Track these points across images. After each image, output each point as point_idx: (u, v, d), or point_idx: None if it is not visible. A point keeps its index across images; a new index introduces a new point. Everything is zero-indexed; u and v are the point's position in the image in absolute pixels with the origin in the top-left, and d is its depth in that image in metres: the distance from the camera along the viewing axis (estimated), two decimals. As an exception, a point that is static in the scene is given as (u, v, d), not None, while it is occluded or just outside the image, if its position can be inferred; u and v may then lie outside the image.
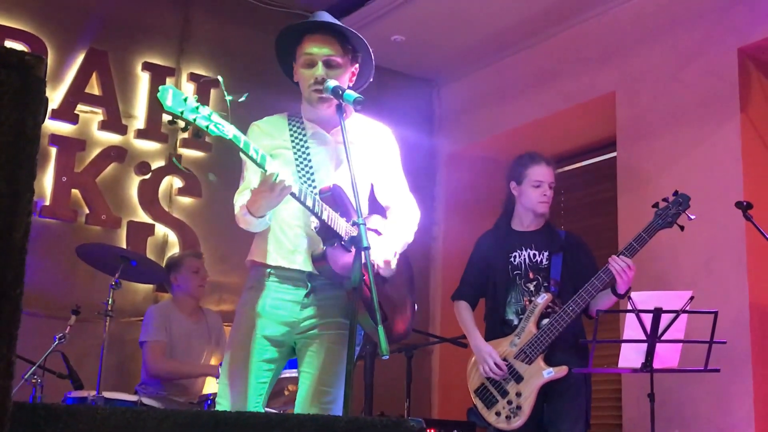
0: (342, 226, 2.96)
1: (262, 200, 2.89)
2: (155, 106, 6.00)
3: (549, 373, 4.08)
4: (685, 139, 5.30)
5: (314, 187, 3.05)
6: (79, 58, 5.79)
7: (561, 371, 4.08)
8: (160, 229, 5.95)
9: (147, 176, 5.91)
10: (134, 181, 5.90)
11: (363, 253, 2.76)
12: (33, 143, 1.29)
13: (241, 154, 2.83)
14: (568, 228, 6.73)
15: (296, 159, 3.13)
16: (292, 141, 3.17)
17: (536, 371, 4.10)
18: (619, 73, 5.77)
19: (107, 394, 4.49)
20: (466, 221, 6.15)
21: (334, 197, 3.01)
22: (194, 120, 2.67)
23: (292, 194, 2.86)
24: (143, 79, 6.03)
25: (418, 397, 6.21)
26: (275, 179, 2.79)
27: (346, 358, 2.94)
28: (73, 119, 5.72)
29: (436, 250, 6.60)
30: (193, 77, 6.19)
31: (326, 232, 2.95)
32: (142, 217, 5.89)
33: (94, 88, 5.83)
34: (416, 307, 3.44)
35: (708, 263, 4.98)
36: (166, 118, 2.72)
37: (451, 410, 5.79)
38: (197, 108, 2.68)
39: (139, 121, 5.96)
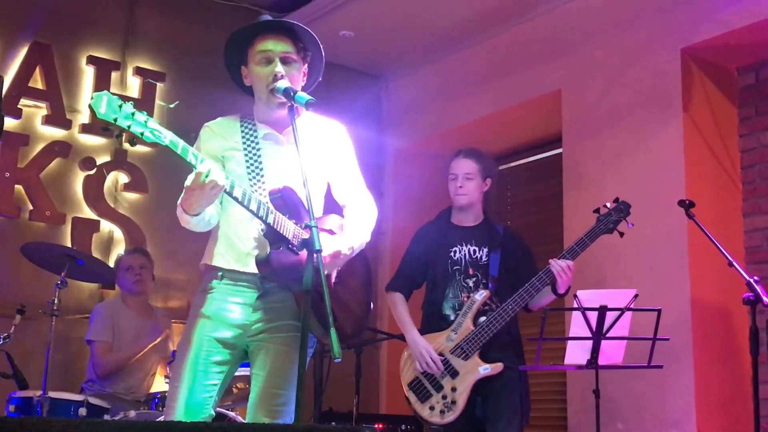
0: (290, 229, 2.95)
1: (193, 197, 2.87)
2: (108, 92, 5.91)
3: (485, 369, 4.12)
4: (629, 137, 5.38)
5: (264, 189, 3.05)
6: (23, 52, 5.72)
7: (497, 368, 4.12)
8: (106, 226, 5.89)
9: (92, 171, 5.85)
10: (79, 177, 5.83)
11: (315, 256, 2.76)
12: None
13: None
14: (515, 223, 6.83)
15: (247, 161, 3.12)
16: (244, 142, 3.16)
17: (472, 367, 4.13)
18: (565, 71, 5.83)
19: (53, 394, 4.46)
20: (415, 217, 6.14)
21: (284, 199, 3.00)
22: (128, 127, 2.64)
23: (235, 199, 2.85)
24: (88, 73, 5.96)
25: (367, 393, 6.24)
26: (204, 178, 2.77)
27: (297, 361, 2.96)
28: (17, 113, 5.64)
29: (384, 246, 6.62)
30: (138, 71, 6.13)
31: (273, 236, 2.94)
32: (87, 213, 5.83)
33: (37, 82, 5.76)
34: (372, 306, 3.46)
35: (651, 261, 5.06)
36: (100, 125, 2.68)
37: (398, 405, 5.81)
38: (132, 114, 2.64)
39: (83, 115, 5.88)
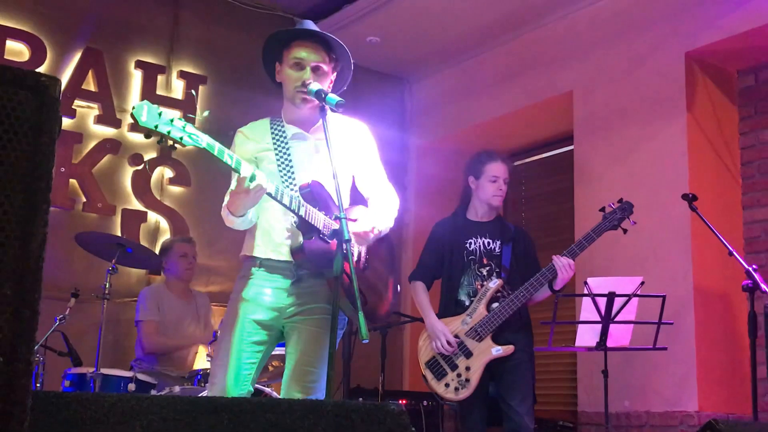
0: (320, 220, 2.97)
1: (239, 201, 2.92)
2: (148, 101, 5.95)
3: (497, 350, 4.12)
4: (636, 136, 5.34)
5: (295, 184, 3.07)
6: (76, 57, 5.75)
7: (508, 350, 4.12)
8: (152, 216, 5.93)
9: (140, 167, 5.88)
10: (128, 172, 5.87)
11: (344, 245, 2.77)
12: (49, 159, 1.29)
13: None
14: (528, 215, 6.81)
15: (278, 159, 3.14)
16: (274, 142, 3.17)
17: (485, 348, 4.13)
18: (577, 73, 5.80)
19: (105, 371, 4.49)
20: (435, 208, 6.16)
21: (313, 193, 3.02)
22: (168, 132, 2.66)
23: (269, 194, 2.87)
24: (136, 76, 5.99)
25: (391, 371, 6.26)
26: (248, 183, 2.81)
27: (328, 341, 2.98)
28: (71, 114, 5.69)
29: (407, 235, 6.62)
30: (182, 75, 6.16)
31: (304, 227, 2.96)
32: (136, 205, 5.87)
33: (90, 84, 5.79)
34: (399, 288, 3.46)
35: (657, 250, 5.03)
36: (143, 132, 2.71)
37: (420, 383, 5.81)
38: (171, 121, 2.67)
39: (132, 115, 5.90)
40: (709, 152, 5.14)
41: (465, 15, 6.02)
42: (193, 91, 2.76)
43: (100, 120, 5.79)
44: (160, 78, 6.06)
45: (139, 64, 5.99)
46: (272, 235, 3.11)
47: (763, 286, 3.85)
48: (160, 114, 2.66)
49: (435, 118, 6.97)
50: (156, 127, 2.65)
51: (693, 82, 5.15)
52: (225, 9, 6.37)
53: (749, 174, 5.17)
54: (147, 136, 2.39)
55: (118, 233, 5.72)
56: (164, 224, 5.96)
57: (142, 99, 5.85)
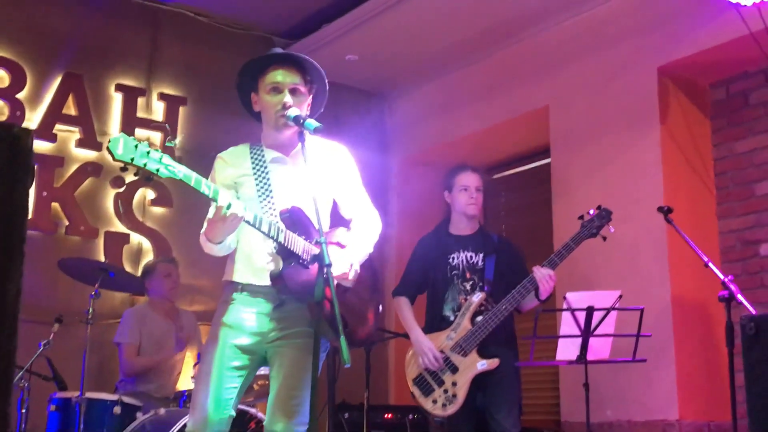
0: (300, 245, 2.96)
1: (216, 229, 2.93)
2: (128, 124, 5.95)
3: (483, 365, 4.13)
4: (611, 149, 5.37)
5: (275, 210, 3.07)
6: (56, 81, 5.74)
7: (493, 363, 4.13)
8: (135, 238, 5.90)
9: (121, 189, 5.85)
10: (110, 194, 5.84)
11: (325, 269, 2.77)
12: (23, 210, 1.29)
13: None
14: (509, 226, 6.82)
15: (257, 184, 3.14)
16: (254, 168, 3.17)
17: (471, 363, 4.14)
18: (552, 89, 5.82)
19: (90, 394, 4.47)
20: (417, 223, 6.17)
21: (293, 218, 3.01)
22: (145, 165, 2.66)
23: (247, 222, 2.87)
24: (116, 99, 5.97)
25: (377, 386, 6.24)
26: (225, 211, 2.81)
27: (311, 365, 2.97)
28: (52, 138, 5.66)
29: (389, 251, 6.61)
30: (162, 96, 6.14)
31: (284, 253, 2.96)
32: (118, 227, 5.85)
33: (70, 108, 5.77)
34: (381, 308, 3.46)
35: (634, 262, 5.05)
36: (118, 164, 2.69)
37: (406, 397, 5.81)
38: (148, 153, 2.67)
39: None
40: (683, 164, 5.17)
41: (441, 33, 6.04)
42: (167, 125, 2.75)
43: (81, 143, 5.76)
44: (141, 100, 6.05)
45: (119, 87, 5.97)
46: (253, 259, 3.10)
47: (739, 296, 3.87)
48: (136, 146, 2.65)
49: (415, 133, 6.98)
50: (132, 160, 2.65)
51: (665, 95, 5.18)
52: (203, 30, 6.37)
53: (723, 184, 5.20)
54: (123, 169, 2.38)
55: (101, 256, 5.69)
56: (147, 245, 5.94)
57: (123, 121, 5.92)
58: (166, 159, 2.73)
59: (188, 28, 6.32)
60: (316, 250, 2.91)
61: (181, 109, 6.20)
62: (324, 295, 2.75)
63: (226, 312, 3.09)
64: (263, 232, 2.91)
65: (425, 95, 6.88)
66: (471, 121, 6.43)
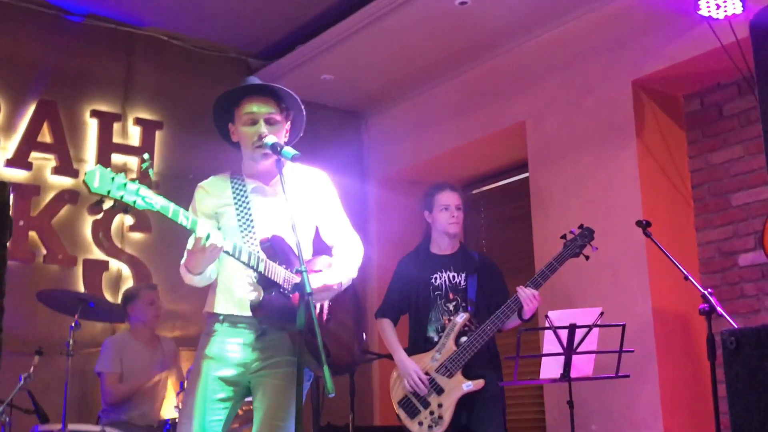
0: (280, 275, 2.97)
1: (195, 260, 2.94)
2: (104, 150, 5.93)
3: (468, 386, 4.14)
4: (588, 163, 5.40)
5: (256, 239, 3.07)
6: (31, 109, 5.71)
7: (479, 384, 4.14)
8: (114, 265, 5.86)
9: (99, 216, 5.82)
10: (87, 221, 5.81)
11: (307, 298, 2.76)
12: (1, 263, 1.28)
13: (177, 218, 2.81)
14: (488, 241, 6.84)
15: (238, 214, 3.14)
16: (234, 198, 3.17)
17: (456, 384, 4.14)
18: (527, 104, 5.85)
19: (72, 426, 4.43)
20: (398, 242, 6.18)
21: (273, 247, 3.02)
22: (122, 197, 2.66)
23: (227, 252, 2.87)
24: (92, 126, 5.94)
25: (362, 407, 6.23)
26: (204, 242, 2.82)
27: (294, 394, 2.97)
28: (27, 166, 5.63)
29: (370, 272, 6.60)
30: (138, 121, 6.12)
31: (265, 282, 2.97)
32: (97, 254, 5.80)
33: (45, 136, 5.74)
34: (365, 336, 3.45)
35: (614, 277, 5.07)
36: (94, 198, 2.68)
37: (390, 417, 5.81)
38: (125, 185, 2.67)
39: (89, 164, 5.86)
40: (661, 176, 5.21)
41: (416, 52, 6.06)
42: (144, 164, 2.74)
43: (57, 171, 5.73)
44: (116, 126, 6.02)
45: (95, 113, 5.94)
46: (233, 290, 3.10)
47: (719, 309, 3.90)
48: (112, 179, 2.64)
49: (393, 151, 6.99)
50: (108, 192, 2.64)
51: (641, 108, 5.22)
52: (178, 54, 6.36)
53: (700, 196, 5.25)
54: (100, 202, 2.37)
55: (80, 284, 5.66)
56: (126, 272, 5.90)
57: (99, 147, 5.89)
58: (144, 191, 2.73)
59: (163, 52, 6.30)
60: (297, 279, 2.91)
61: (158, 134, 6.19)
62: (305, 323, 2.75)
63: (209, 344, 3.08)
64: (243, 262, 2.92)
65: (402, 113, 6.90)
66: (448, 138, 6.45)
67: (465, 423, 4.21)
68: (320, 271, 3.16)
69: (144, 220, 5.98)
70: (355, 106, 7.14)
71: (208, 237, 2.82)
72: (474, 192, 6.98)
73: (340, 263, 3.22)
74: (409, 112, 6.82)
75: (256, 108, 3.10)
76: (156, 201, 2.75)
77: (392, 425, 5.57)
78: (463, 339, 4.18)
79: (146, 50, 6.24)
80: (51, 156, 5.73)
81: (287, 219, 2.92)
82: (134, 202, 2.69)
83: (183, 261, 3.04)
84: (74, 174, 5.78)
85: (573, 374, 3.98)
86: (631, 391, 4.83)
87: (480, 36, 5.85)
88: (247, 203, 3.16)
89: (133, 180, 2.71)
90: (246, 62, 6.69)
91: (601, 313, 3.94)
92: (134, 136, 6.11)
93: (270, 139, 3.05)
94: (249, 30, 6.34)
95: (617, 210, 5.11)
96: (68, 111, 5.86)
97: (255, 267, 2.92)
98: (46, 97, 5.76)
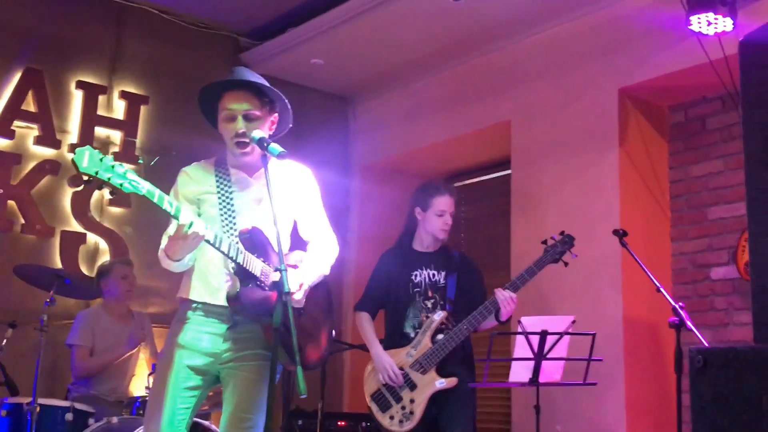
0: (258, 267, 2.99)
1: (176, 246, 2.94)
2: (88, 122, 5.90)
3: (441, 383, 4.19)
4: (570, 168, 5.44)
5: (236, 230, 3.09)
6: (16, 77, 5.65)
7: (451, 382, 4.18)
8: (92, 238, 5.85)
9: (80, 188, 5.79)
10: (67, 193, 5.78)
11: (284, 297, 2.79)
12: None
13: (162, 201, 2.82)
14: (467, 236, 6.89)
15: (219, 203, 3.15)
16: (218, 186, 3.18)
17: (429, 381, 4.19)
18: (515, 104, 5.87)
19: (41, 401, 4.43)
20: (379, 232, 6.21)
21: (252, 239, 3.04)
22: (109, 179, 2.68)
23: (207, 241, 2.89)
24: (77, 97, 5.90)
25: (331, 393, 6.28)
26: (186, 230, 2.83)
27: (264, 387, 3.01)
28: (10, 135, 5.59)
29: (349, 259, 6.63)
30: (124, 95, 6.08)
31: (242, 274, 2.99)
32: (75, 226, 5.78)
33: (30, 105, 5.70)
34: (333, 333, 3.49)
35: (588, 285, 5.11)
36: (83, 177, 2.68)
37: (360, 404, 5.87)
38: (113, 167, 2.68)
39: (72, 135, 5.84)
40: (640, 185, 5.26)
41: (407, 43, 6.06)
42: (140, 160, 2.78)
43: (39, 141, 5.69)
44: (102, 98, 5.98)
45: (80, 84, 5.90)
46: (209, 278, 3.12)
47: (688, 323, 3.96)
48: (101, 159, 2.66)
49: (378, 138, 7.00)
50: (96, 173, 2.66)
51: (625, 116, 5.26)
52: (169, 28, 6.30)
53: (678, 207, 5.31)
54: (87, 182, 2.36)
55: (57, 255, 5.64)
56: (103, 245, 5.88)
57: (83, 119, 5.86)
58: (131, 174, 2.75)
59: (153, 25, 6.25)
60: (273, 273, 2.97)
61: (143, 108, 6.15)
62: (282, 321, 2.78)
63: (181, 331, 3.10)
64: (223, 252, 2.94)
65: (390, 102, 6.90)
66: (434, 130, 6.48)
67: (435, 419, 4.26)
68: (294, 266, 3.19)
69: (123, 194, 5.91)
70: (344, 92, 7.14)
71: (190, 225, 2.83)
72: (456, 185, 7.01)
73: (314, 259, 3.24)
74: (397, 102, 6.83)
75: (235, 105, 3.10)
76: (142, 186, 2.76)
77: (360, 412, 5.64)
78: (440, 337, 4.23)
79: (136, 23, 6.19)
80: (34, 125, 5.69)
81: (268, 212, 2.95)
82: (121, 184, 2.71)
83: (162, 246, 3.05)
84: (57, 145, 5.75)
85: (541, 379, 4.04)
86: (597, 397, 4.90)
87: (472, 33, 5.86)
88: (230, 193, 3.17)
89: (120, 164, 2.73)
90: (236, 41, 6.66)
91: (573, 321, 4.00)
92: (119, 109, 6.08)
93: (257, 134, 3.07)
94: (241, 9, 6.31)
95: (595, 216, 5.15)
96: (54, 80, 5.81)
97: (234, 258, 2.94)
98: (33, 65, 5.71)
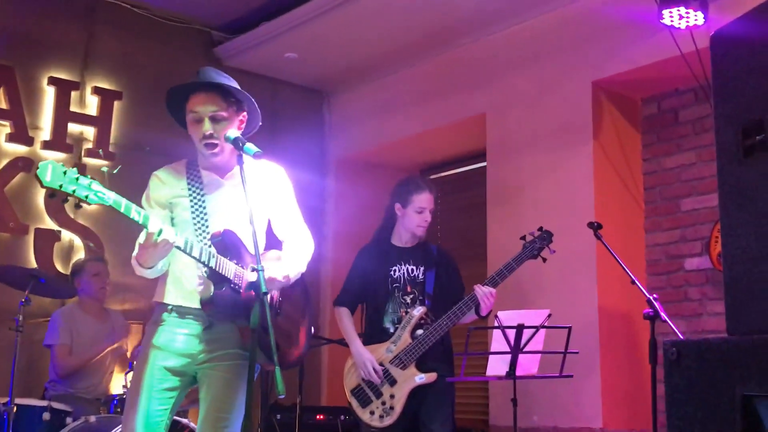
0: (231, 270, 2.99)
1: (147, 254, 2.94)
2: (61, 118, 5.85)
3: (421, 378, 4.20)
4: (545, 160, 5.47)
5: (208, 232, 3.08)
6: (-14, 74, 5.60)
7: (431, 377, 4.20)
8: (66, 235, 5.81)
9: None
10: (41, 190, 5.72)
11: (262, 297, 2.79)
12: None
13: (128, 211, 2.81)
14: (444, 227, 6.91)
15: (192, 206, 3.14)
16: (189, 189, 3.17)
17: (409, 376, 4.21)
18: (489, 96, 5.89)
19: (18, 401, 4.42)
20: (355, 226, 6.20)
21: (225, 242, 3.03)
22: (74, 191, 2.67)
23: (178, 247, 2.89)
24: (49, 93, 5.85)
25: (310, 387, 6.29)
26: (156, 238, 2.82)
27: (241, 387, 3.03)
28: (-18, 132, 5.54)
29: (326, 253, 6.64)
30: (97, 90, 6.04)
31: (215, 277, 2.99)
32: (49, 224, 5.74)
33: (1, 102, 5.64)
34: (312, 330, 3.49)
35: (563, 277, 5.14)
36: (47, 191, 2.68)
37: (338, 398, 5.89)
38: (77, 179, 2.67)
39: (45, 132, 5.79)
40: (614, 177, 5.30)
41: (381, 37, 6.06)
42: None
43: (12, 138, 5.64)
44: (74, 94, 5.93)
45: (52, 81, 5.84)
46: (183, 282, 3.12)
47: (663, 315, 4.01)
48: (65, 173, 2.65)
49: (354, 131, 7.00)
50: (60, 186, 2.65)
51: (599, 109, 5.30)
52: (141, 23, 6.26)
53: (652, 199, 5.36)
54: (52, 195, 2.37)
55: (31, 253, 5.60)
56: (78, 243, 5.85)
57: (56, 116, 5.81)
58: (96, 185, 2.73)
59: (125, 20, 6.19)
60: (247, 274, 2.97)
61: (116, 104, 6.10)
62: (259, 322, 2.78)
63: (156, 333, 3.10)
64: (194, 257, 2.93)
65: (365, 95, 6.90)
66: (409, 123, 6.48)
67: (415, 414, 4.28)
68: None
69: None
70: (319, 86, 7.13)
71: (160, 233, 2.82)
72: (432, 177, 7.03)
73: (290, 257, 3.24)
74: (373, 95, 6.83)
75: (201, 107, 3.08)
76: (108, 196, 2.76)
77: (339, 406, 5.66)
78: (419, 332, 4.24)
79: (108, 18, 6.13)
80: (6, 123, 5.64)
81: (242, 213, 2.94)
82: (86, 196, 2.70)
83: (134, 254, 3.04)
84: (29, 141, 5.70)
85: (518, 372, 4.06)
86: (573, 388, 4.94)
87: (446, 26, 5.87)
88: (202, 196, 3.16)
89: (85, 176, 2.72)
90: (210, 35, 6.62)
91: (549, 315, 4.03)
92: (92, 105, 6.03)
93: (232, 134, 3.06)
94: (214, 2, 6.27)
95: (570, 208, 5.19)
96: (25, 77, 5.76)
97: (206, 262, 2.94)
98: (4, 61, 5.65)
